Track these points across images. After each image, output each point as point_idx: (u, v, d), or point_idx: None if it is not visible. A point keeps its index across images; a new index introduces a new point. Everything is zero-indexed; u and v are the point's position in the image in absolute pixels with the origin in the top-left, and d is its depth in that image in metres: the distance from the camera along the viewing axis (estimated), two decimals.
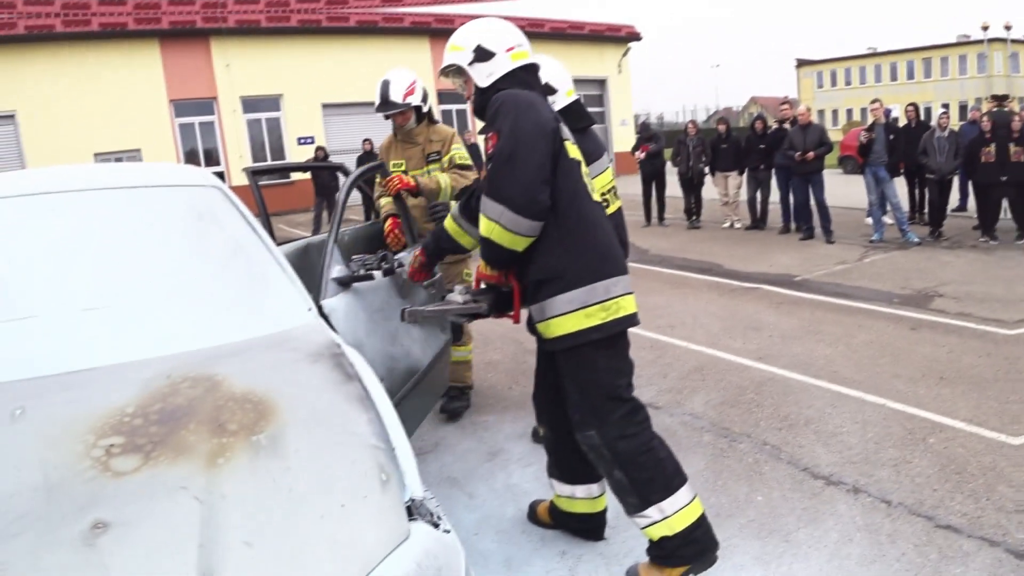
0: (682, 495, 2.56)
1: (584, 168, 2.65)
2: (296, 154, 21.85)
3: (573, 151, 2.60)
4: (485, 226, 2.50)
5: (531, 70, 2.70)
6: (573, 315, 2.46)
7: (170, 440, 1.79)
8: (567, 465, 2.91)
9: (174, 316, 2.49)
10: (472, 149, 16.35)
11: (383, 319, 3.16)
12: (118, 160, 19.28)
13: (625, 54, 28.07)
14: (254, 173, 3.93)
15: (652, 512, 2.54)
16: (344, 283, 2.95)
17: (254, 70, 21.50)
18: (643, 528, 2.60)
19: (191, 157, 21.06)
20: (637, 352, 5.72)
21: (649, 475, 2.52)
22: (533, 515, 3.19)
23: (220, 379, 2.07)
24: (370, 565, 1.54)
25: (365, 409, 1.99)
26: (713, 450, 3.91)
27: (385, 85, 4.31)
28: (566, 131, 2.64)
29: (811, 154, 10.33)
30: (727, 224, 12.55)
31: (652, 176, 13.01)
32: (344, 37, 22.73)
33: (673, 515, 2.53)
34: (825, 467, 3.65)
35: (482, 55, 2.63)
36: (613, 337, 2.54)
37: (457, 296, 2.75)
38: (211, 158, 21.53)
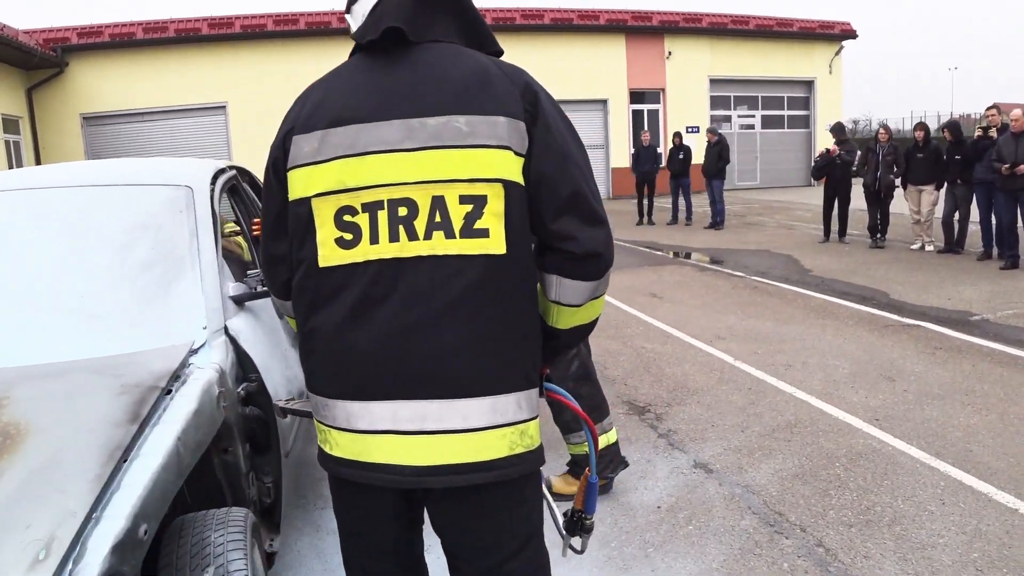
0: None
1: (338, 197, 1.53)
2: None
3: (311, 180, 1.55)
4: None
5: None
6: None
7: None
8: None
9: (45, 325, 2.31)
10: (647, 152, 15.54)
11: (276, 340, 2.83)
12: None
13: (837, 53, 25.77)
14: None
15: None
16: (239, 301, 2.63)
17: None
18: None
19: None
20: (729, 393, 4.94)
21: None
22: None
23: (4, 404, 1.86)
24: None
25: (102, 463, 1.64)
26: (745, 542, 3.09)
27: None
28: (311, 142, 1.57)
29: (1022, 167, 8.66)
30: (917, 245, 10.93)
31: (836, 187, 11.67)
32: (538, 34, 22.61)
33: None
34: None
35: None
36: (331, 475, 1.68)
37: None
38: None
